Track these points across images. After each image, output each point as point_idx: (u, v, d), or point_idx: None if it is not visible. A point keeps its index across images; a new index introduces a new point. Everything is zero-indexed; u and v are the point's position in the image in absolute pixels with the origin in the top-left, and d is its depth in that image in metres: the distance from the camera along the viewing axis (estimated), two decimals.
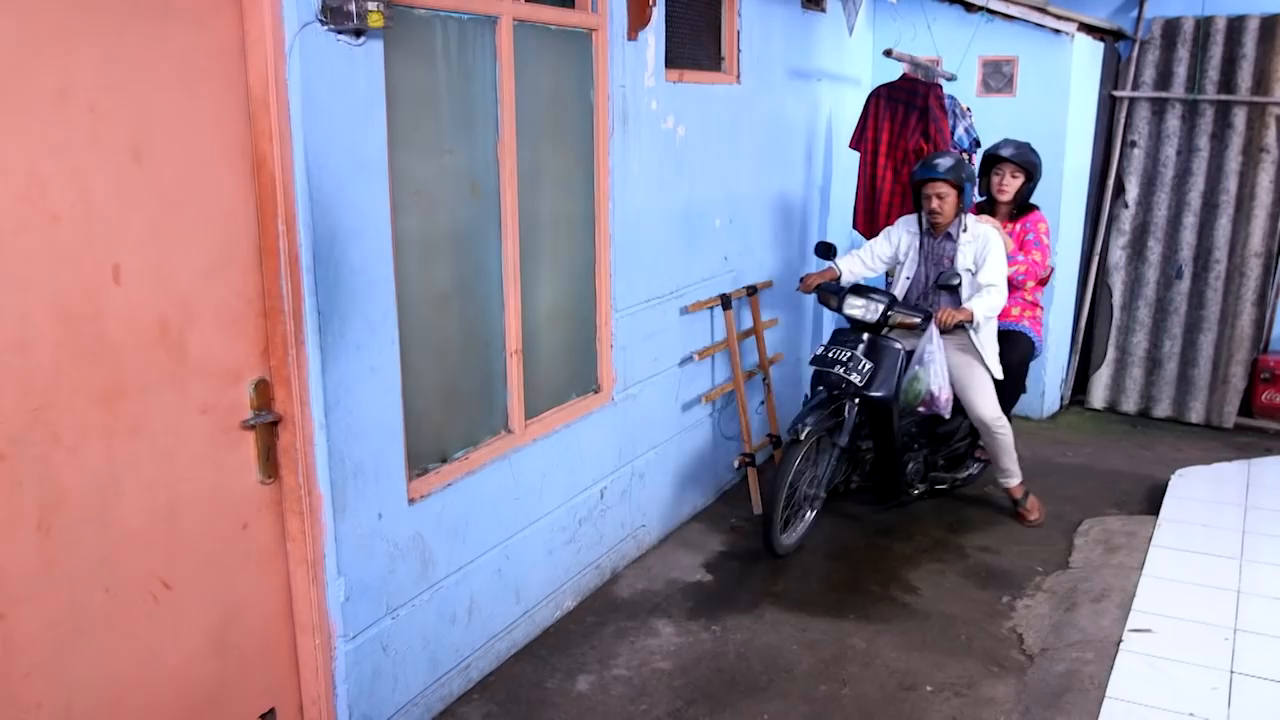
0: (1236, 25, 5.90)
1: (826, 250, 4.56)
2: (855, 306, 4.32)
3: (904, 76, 5.13)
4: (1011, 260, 4.54)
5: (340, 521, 2.80)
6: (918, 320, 4.33)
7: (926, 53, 5.75)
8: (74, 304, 2.15)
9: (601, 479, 4.03)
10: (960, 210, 4.38)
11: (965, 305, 4.28)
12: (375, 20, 2.57)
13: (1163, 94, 6.10)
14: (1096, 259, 6.44)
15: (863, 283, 4.56)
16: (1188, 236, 6.16)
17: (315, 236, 2.60)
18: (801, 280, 4.64)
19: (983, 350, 4.46)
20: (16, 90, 2.00)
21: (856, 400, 4.25)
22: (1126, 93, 6.20)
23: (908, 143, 4.99)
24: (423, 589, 3.16)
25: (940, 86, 5.10)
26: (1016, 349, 4.80)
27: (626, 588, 4.14)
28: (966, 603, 4.05)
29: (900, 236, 4.63)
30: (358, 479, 2.85)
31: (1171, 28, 6.07)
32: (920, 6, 5.94)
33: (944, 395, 4.29)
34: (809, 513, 4.50)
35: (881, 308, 4.27)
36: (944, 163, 4.33)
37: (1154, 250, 6.28)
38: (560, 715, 3.30)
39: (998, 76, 5.98)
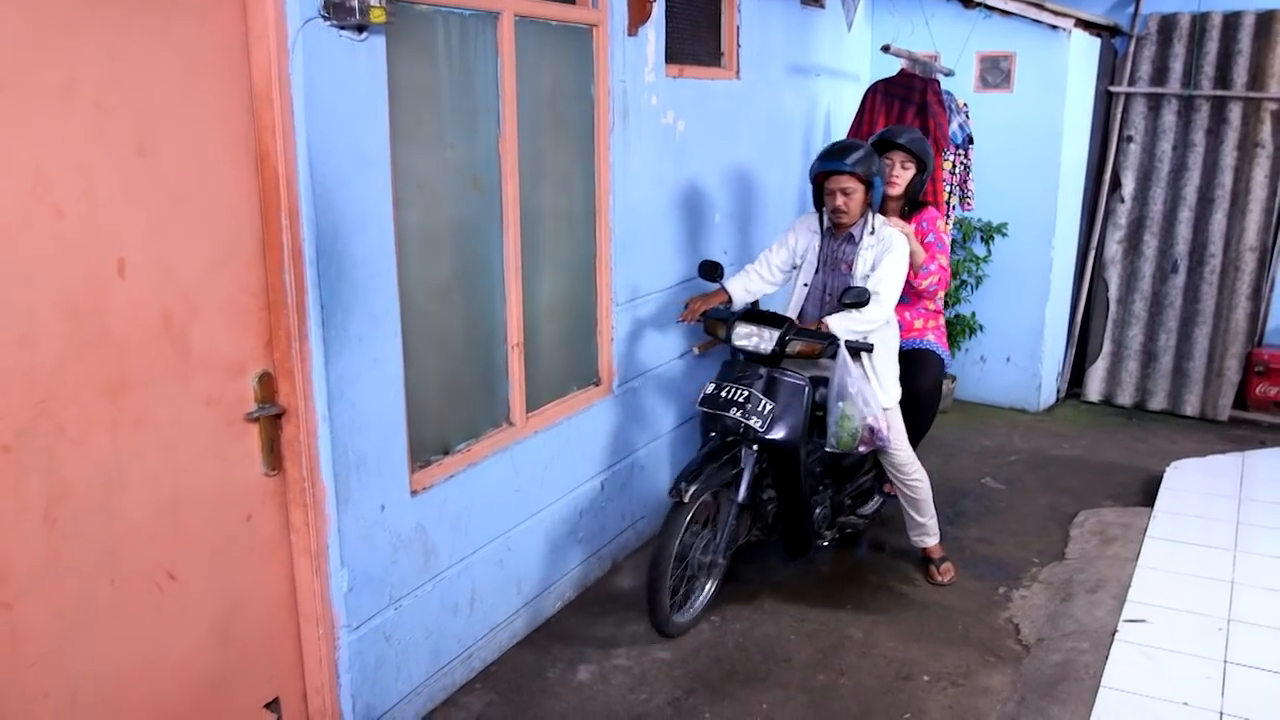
0: (1232, 21, 5.92)
1: (712, 270, 3.89)
2: (746, 336, 3.66)
3: (902, 72, 5.14)
4: (926, 273, 4.01)
5: (343, 513, 2.82)
6: (819, 348, 3.61)
7: (924, 48, 5.77)
8: (79, 298, 2.17)
9: (602, 471, 4.05)
10: (868, 209, 3.79)
11: (824, 319, 3.66)
12: (377, 16, 2.58)
13: (1159, 89, 6.12)
14: (1093, 253, 6.46)
15: (757, 305, 4.01)
16: (1183, 231, 6.19)
17: (318, 230, 2.62)
18: (685, 308, 3.98)
19: (875, 378, 3.77)
20: (22, 85, 2.01)
21: (755, 446, 3.64)
22: (1123, 88, 6.22)
23: None
24: (425, 580, 3.19)
25: (938, 82, 5.12)
26: (925, 372, 4.21)
27: (627, 578, 4.16)
28: (963, 593, 4.08)
29: (799, 239, 3.97)
30: (361, 471, 2.87)
31: (1168, 23, 6.09)
32: (918, 2, 5.96)
33: (880, 422, 3.67)
34: (708, 584, 3.82)
35: (777, 335, 3.60)
36: (850, 153, 3.68)
37: (1150, 244, 6.31)
38: (561, 705, 3.33)
39: (995, 72, 6.00)
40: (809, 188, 5.35)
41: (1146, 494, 4.96)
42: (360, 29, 2.64)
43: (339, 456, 2.78)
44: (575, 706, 3.30)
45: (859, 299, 3.53)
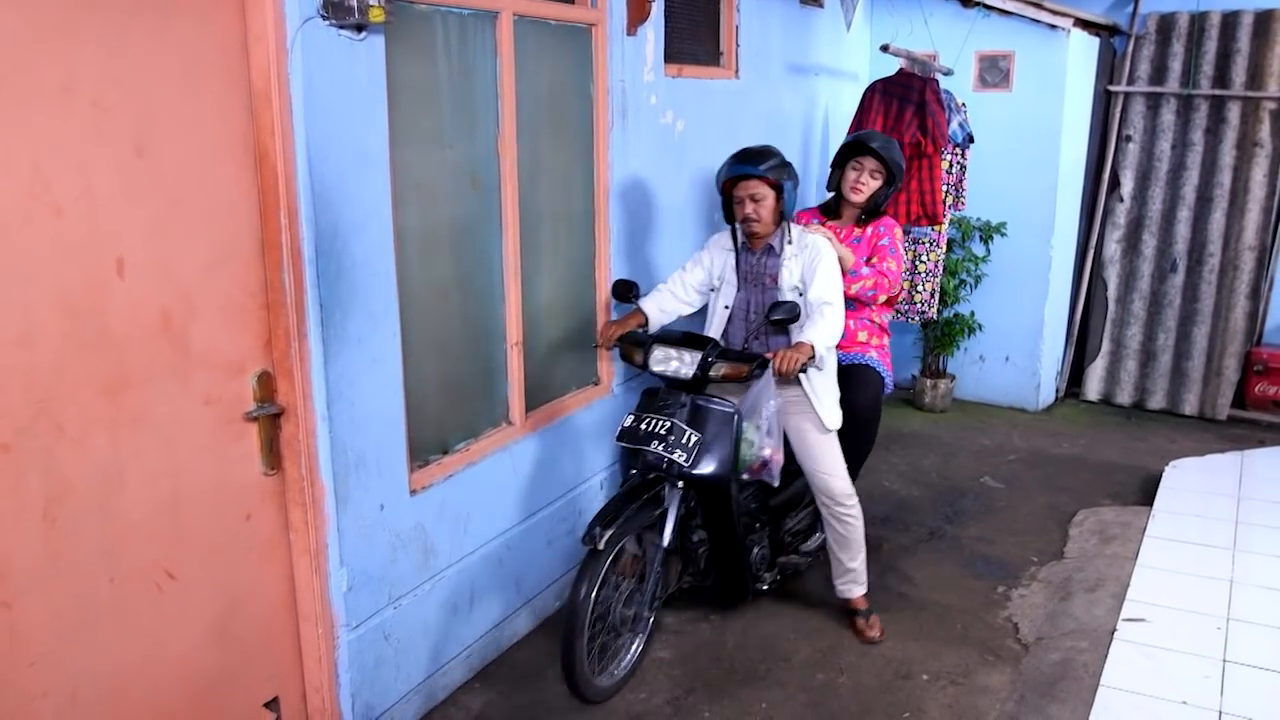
0: (1231, 20, 5.92)
1: (626, 290, 3.57)
2: (664, 361, 3.33)
3: (901, 71, 5.15)
4: (857, 275, 3.74)
5: (342, 512, 2.83)
6: (746, 370, 3.29)
7: (923, 48, 5.77)
8: (78, 297, 2.17)
9: (601, 470, 4.05)
10: (782, 217, 3.50)
11: (799, 339, 3.33)
12: (376, 15, 2.58)
13: (1158, 89, 6.13)
14: (1091, 252, 6.47)
15: (677, 326, 3.70)
16: (1182, 230, 6.20)
17: (317, 230, 2.62)
18: (599, 333, 3.69)
19: (817, 399, 3.49)
20: (20, 85, 2.01)
21: (681, 483, 3.27)
22: (1122, 87, 6.22)
23: (903, 136, 5.00)
24: (424, 579, 3.19)
25: (936, 81, 5.12)
26: (864, 389, 3.85)
27: None
28: (962, 592, 4.08)
29: (714, 259, 3.66)
30: (360, 470, 2.87)
31: (1166, 23, 6.10)
32: (917, 1, 5.96)
33: (777, 457, 3.36)
34: (634, 641, 3.42)
35: (699, 359, 3.28)
36: (761, 158, 3.42)
37: (1148, 244, 6.31)
38: (560, 704, 3.33)
39: (994, 71, 6.00)
40: (808, 187, 5.29)
41: (1145, 493, 4.96)
42: (359, 29, 2.64)
43: (338, 456, 2.78)
44: (575, 706, 3.30)
45: (790, 314, 3.29)
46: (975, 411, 6.35)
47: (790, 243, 3.52)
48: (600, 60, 3.73)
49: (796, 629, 3.79)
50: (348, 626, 2.90)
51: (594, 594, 3.09)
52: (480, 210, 3.31)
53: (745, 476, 3.38)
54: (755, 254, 3.57)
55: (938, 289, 5.67)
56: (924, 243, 5.56)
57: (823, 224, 3.95)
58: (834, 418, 3.57)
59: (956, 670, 3.54)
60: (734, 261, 3.61)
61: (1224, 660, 3.41)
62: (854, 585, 3.74)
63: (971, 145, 5.57)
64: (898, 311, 5.76)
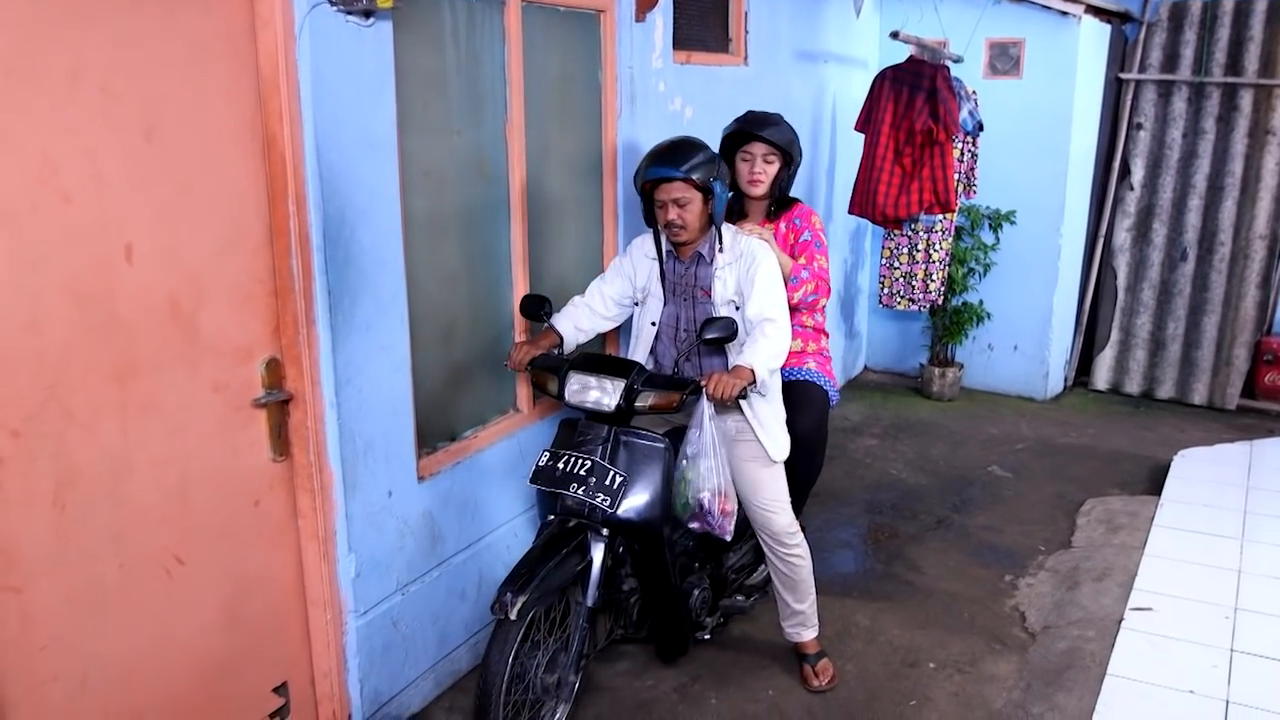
0: (1244, 8, 5.87)
1: (537, 307, 3.12)
2: (582, 391, 2.93)
3: (910, 58, 5.12)
4: (798, 281, 3.32)
5: (351, 499, 2.83)
6: (677, 399, 2.90)
7: (933, 34, 5.74)
8: (87, 283, 2.17)
9: None
10: (711, 222, 3.07)
11: (736, 362, 2.91)
12: (384, 1, 2.58)
13: (1169, 76, 6.09)
14: (1101, 241, 6.44)
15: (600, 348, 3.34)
16: (1192, 219, 6.16)
17: (325, 216, 2.62)
18: (509, 356, 3.19)
19: (761, 428, 3.10)
20: (29, 71, 2.01)
21: (606, 532, 2.88)
22: (1133, 75, 6.18)
23: (913, 124, 4.98)
24: (432, 565, 3.20)
25: (947, 68, 5.09)
26: (808, 410, 3.45)
27: None
28: (969, 581, 4.08)
29: (636, 268, 3.24)
30: (368, 457, 2.87)
31: (1178, 10, 6.05)
32: None
33: (726, 506, 2.95)
34: (559, 708, 3.00)
35: (623, 387, 2.89)
36: (683, 156, 2.97)
37: (1159, 233, 6.28)
38: None
39: (1004, 58, 5.96)
40: (817, 175, 5.18)
41: (1154, 482, 4.95)
42: (367, 14, 2.63)
43: (346, 442, 2.79)
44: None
45: (725, 332, 2.90)
46: (983, 400, 6.34)
47: (723, 250, 3.10)
48: (609, 47, 3.72)
49: None
50: (356, 612, 2.91)
51: (507, 667, 2.68)
52: (488, 197, 3.31)
53: (694, 526, 3.00)
54: (684, 263, 3.14)
55: (946, 277, 5.67)
56: (936, 231, 5.55)
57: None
58: (780, 448, 3.17)
59: (963, 659, 3.54)
60: (659, 271, 3.19)
61: (1231, 650, 3.41)
62: (803, 629, 3.36)
63: (981, 133, 5.55)
64: (909, 300, 5.77)
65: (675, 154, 2.99)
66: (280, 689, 2.81)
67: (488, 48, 3.19)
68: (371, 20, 2.66)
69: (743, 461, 3.14)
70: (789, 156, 3.43)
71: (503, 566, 3.53)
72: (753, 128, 3.40)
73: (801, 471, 3.50)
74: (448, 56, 3.06)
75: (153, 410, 2.34)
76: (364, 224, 2.75)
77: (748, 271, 3.05)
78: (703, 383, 2.87)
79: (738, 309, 3.07)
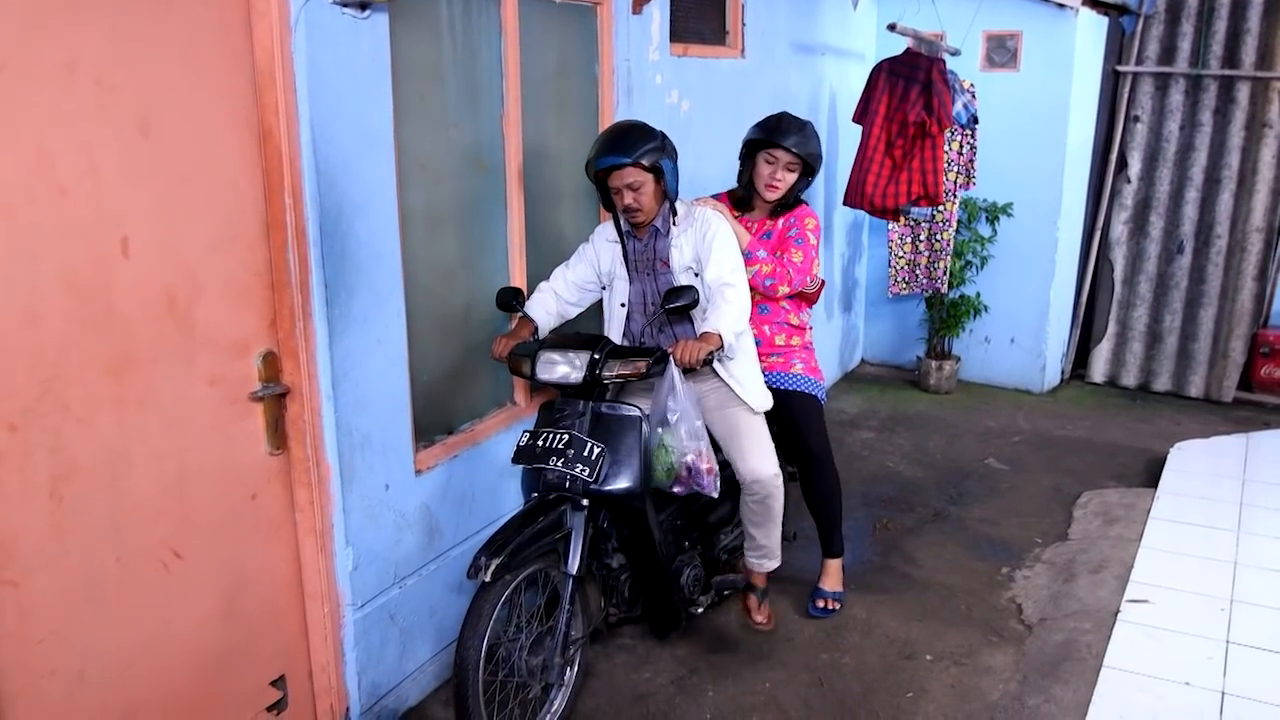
0: (1241, 0, 5.87)
1: (510, 299, 3.18)
2: (550, 367, 2.99)
3: (908, 51, 5.11)
4: (751, 258, 3.39)
5: (348, 492, 2.83)
6: (643, 366, 2.97)
7: (930, 27, 5.72)
8: (83, 277, 2.17)
9: None
10: (665, 197, 3.18)
11: (704, 329, 3.04)
12: None
13: (1166, 69, 6.08)
14: (1098, 233, 6.44)
15: (570, 328, 3.40)
16: (1189, 212, 6.16)
17: (321, 210, 2.61)
18: (492, 348, 3.20)
19: (739, 385, 3.24)
20: (24, 64, 2.00)
21: (586, 502, 2.94)
22: (1130, 68, 6.18)
23: (906, 115, 4.98)
24: (430, 559, 3.20)
25: (943, 61, 5.09)
26: (808, 420, 3.55)
27: None
28: (966, 573, 4.09)
29: (599, 254, 3.33)
30: (365, 450, 2.87)
31: (1176, 3, 6.04)
32: None
33: (706, 465, 3.02)
34: (557, 694, 3.05)
35: (587, 360, 2.95)
36: (631, 142, 3.05)
37: (1155, 225, 6.29)
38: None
39: (1002, 51, 5.96)
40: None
41: (1150, 475, 4.96)
42: (363, 6, 2.63)
43: (343, 436, 2.79)
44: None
45: (689, 300, 3.00)
46: (980, 393, 6.35)
47: (677, 222, 3.22)
48: (605, 39, 3.71)
49: (800, 609, 3.80)
50: (353, 606, 2.91)
51: (483, 640, 2.67)
52: (485, 190, 3.30)
53: (677, 490, 3.05)
54: (642, 240, 3.25)
55: (949, 265, 5.71)
56: (936, 221, 5.57)
57: (735, 217, 3.56)
58: (760, 400, 3.31)
59: (960, 651, 3.55)
60: (621, 252, 3.29)
61: (1227, 641, 3.42)
62: (767, 560, 3.50)
63: (976, 126, 5.55)
64: (917, 286, 5.81)
65: (623, 141, 3.08)
66: (278, 682, 2.81)
67: (484, 40, 3.19)
68: (368, 13, 2.65)
69: (726, 417, 3.27)
70: (810, 168, 3.52)
71: None
72: (780, 137, 3.46)
73: (822, 490, 3.65)
74: (444, 49, 3.05)
75: (149, 404, 2.34)
76: (360, 217, 2.75)
77: (704, 239, 3.18)
78: (670, 350, 2.97)
79: (697, 275, 3.18)
